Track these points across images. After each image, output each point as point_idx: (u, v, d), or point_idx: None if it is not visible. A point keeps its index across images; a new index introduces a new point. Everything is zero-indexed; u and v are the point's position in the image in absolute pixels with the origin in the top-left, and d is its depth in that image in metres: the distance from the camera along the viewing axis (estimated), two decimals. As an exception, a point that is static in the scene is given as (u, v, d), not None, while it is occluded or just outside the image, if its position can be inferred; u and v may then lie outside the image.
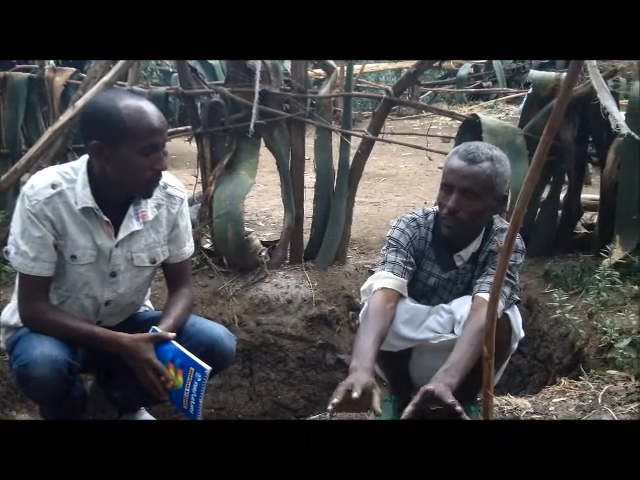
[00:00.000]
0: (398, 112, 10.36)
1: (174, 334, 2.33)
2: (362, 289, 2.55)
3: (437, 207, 2.52)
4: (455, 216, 2.39)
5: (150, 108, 2.23)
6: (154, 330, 2.34)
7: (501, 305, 2.33)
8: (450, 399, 2.03)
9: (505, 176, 2.41)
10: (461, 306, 2.46)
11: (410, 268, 2.49)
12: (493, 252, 2.47)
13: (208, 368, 2.22)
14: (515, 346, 2.54)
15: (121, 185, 2.28)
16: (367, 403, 2.06)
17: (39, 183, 2.26)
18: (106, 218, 2.32)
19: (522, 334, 2.53)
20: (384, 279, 2.45)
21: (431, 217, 2.56)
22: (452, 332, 2.46)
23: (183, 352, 2.27)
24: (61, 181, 2.27)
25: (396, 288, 2.43)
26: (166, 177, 2.42)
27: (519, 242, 2.46)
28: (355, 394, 2.00)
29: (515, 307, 2.49)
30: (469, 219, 2.40)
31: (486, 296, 2.21)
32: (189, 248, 2.59)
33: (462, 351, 2.22)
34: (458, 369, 2.17)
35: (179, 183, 2.52)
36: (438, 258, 2.54)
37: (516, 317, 2.48)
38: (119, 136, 2.18)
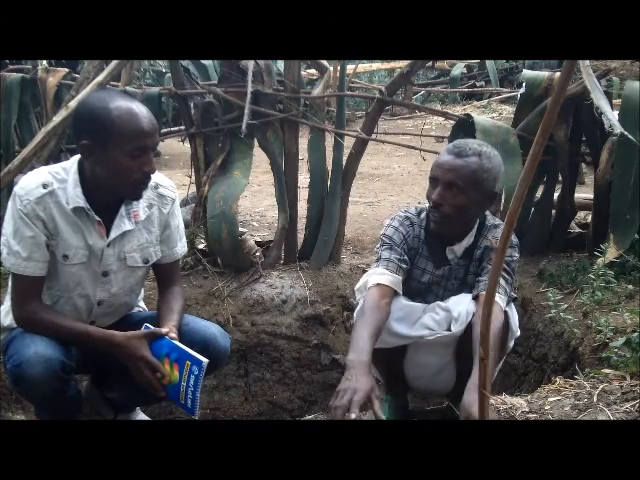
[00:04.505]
0: (391, 112, 10.39)
1: (167, 329, 2.32)
2: (356, 287, 2.56)
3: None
4: (439, 209, 2.40)
5: (141, 110, 2.23)
6: (147, 327, 2.34)
7: (502, 304, 2.34)
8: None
9: (494, 172, 2.40)
10: (458, 304, 2.47)
11: (404, 265, 2.49)
12: (489, 248, 2.48)
13: (205, 360, 2.22)
14: (512, 344, 2.55)
15: (110, 186, 2.28)
16: (367, 407, 2.06)
17: (30, 183, 2.26)
18: (97, 218, 2.32)
19: (518, 332, 2.54)
20: (379, 275, 2.45)
21: (424, 215, 2.58)
22: (448, 329, 2.46)
23: (178, 346, 2.27)
24: (52, 181, 2.27)
25: (390, 284, 2.43)
26: (157, 177, 2.43)
27: (512, 237, 2.46)
28: (353, 416, 1.99)
29: (512, 305, 2.50)
30: (453, 213, 2.40)
31: None
32: (181, 248, 2.59)
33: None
34: (489, 374, 2.16)
35: (170, 183, 2.52)
36: (431, 255, 2.55)
37: (513, 315, 2.49)
38: (108, 137, 2.18)
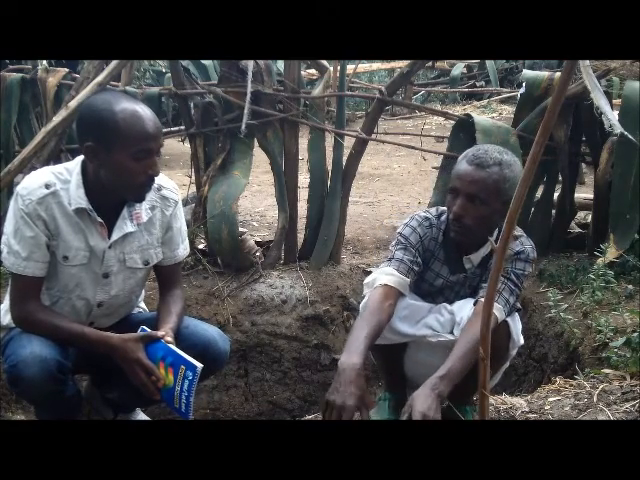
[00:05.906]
0: (391, 112, 10.39)
1: (163, 333, 2.31)
2: (365, 282, 2.53)
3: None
4: (461, 221, 2.36)
5: (146, 112, 2.22)
6: (143, 330, 2.34)
7: (501, 316, 2.33)
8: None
9: (515, 181, 2.34)
10: (463, 308, 2.45)
11: (416, 268, 2.47)
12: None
13: (199, 366, 2.21)
14: (514, 352, 2.52)
15: (114, 188, 2.27)
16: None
17: (33, 183, 2.25)
18: (99, 219, 2.32)
19: (522, 341, 2.52)
20: (387, 275, 2.42)
21: (444, 218, 2.53)
22: (451, 332, 2.45)
23: (174, 350, 2.26)
24: (55, 181, 2.27)
25: (397, 286, 2.41)
26: (161, 179, 2.42)
27: (530, 251, 2.44)
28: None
29: (516, 314, 2.48)
30: (475, 224, 2.37)
31: None
32: (183, 250, 2.58)
33: (460, 357, 2.19)
34: (452, 378, 2.14)
35: (173, 185, 2.51)
36: (447, 260, 2.53)
37: (516, 324, 2.46)
38: (113, 139, 2.17)
